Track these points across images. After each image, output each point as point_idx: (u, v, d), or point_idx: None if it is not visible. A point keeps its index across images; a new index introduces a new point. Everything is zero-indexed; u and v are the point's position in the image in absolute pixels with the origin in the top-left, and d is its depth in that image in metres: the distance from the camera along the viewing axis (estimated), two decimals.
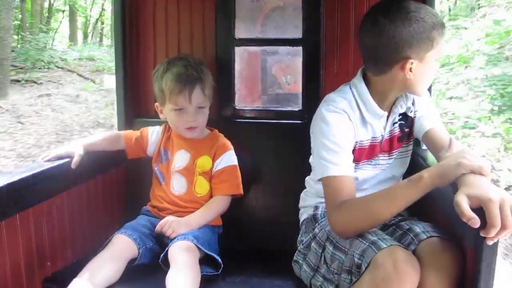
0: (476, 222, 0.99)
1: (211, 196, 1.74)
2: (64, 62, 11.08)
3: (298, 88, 1.96)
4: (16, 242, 1.38)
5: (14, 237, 1.36)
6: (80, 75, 10.25)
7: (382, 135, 1.48)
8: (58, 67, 10.60)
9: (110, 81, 8.22)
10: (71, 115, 7.24)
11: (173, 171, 1.74)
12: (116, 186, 1.90)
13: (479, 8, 8.78)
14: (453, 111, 5.40)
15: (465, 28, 8.00)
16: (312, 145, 1.46)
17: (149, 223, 1.68)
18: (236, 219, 1.78)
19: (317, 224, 1.49)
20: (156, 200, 1.76)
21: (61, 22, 17.54)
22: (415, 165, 1.57)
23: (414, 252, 1.24)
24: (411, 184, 1.19)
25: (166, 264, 1.47)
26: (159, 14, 1.96)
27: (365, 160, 1.49)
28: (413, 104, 1.51)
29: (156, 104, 1.76)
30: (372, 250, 1.16)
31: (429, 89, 1.71)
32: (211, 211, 1.69)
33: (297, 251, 1.51)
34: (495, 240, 1.02)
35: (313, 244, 1.42)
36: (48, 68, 10.45)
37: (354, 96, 1.43)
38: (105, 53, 13.34)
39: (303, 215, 1.62)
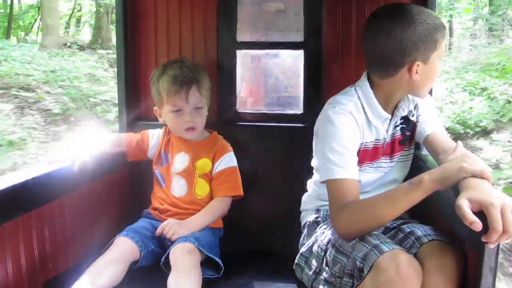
0: (478, 225, 0.99)
1: (211, 198, 1.74)
2: None
3: (300, 91, 1.97)
4: (18, 245, 1.38)
5: (16, 240, 1.36)
6: None
7: (384, 138, 1.49)
8: None
9: None
10: None
11: (173, 173, 1.74)
12: (117, 189, 1.91)
13: None
14: None
15: None
16: (315, 147, 1.46)
17: (151, 225, 1.68)
18: (237, 222, 1.78)
19: (319, 227, 1.49)
20: (157, 202, 1.76)
21: None
22: (416, 168, 1.57)
23: (415, 255, 1.24)
24: (412, 187, 1.20)
25: (168, 267, 1.47)
26: (161, 17, 1.97)
27: (368, 162, 1.49)
28: (415, 108, 1.52)
29: (155, 108, 1.77)
30: (374, 253, 1.16)
31: (430, 93, 1.71)
32: (212, 213, 1.70)
33: (299, 254, 1.51)
34: (497, 244, 1.02)
35: (315, 247, 1.43)
36: None
37: (359, 98, 1.44)
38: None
39: (305, 218, 1.62)
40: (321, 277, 1.37)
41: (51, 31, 10.74)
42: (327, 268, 1.35)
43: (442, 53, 1.37)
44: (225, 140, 1.81)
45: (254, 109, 2.10)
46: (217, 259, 1.57)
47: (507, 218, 0.99)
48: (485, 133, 5.60)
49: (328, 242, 1.37)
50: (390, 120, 1.47)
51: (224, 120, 1.94)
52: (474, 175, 1.12)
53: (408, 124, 1.53)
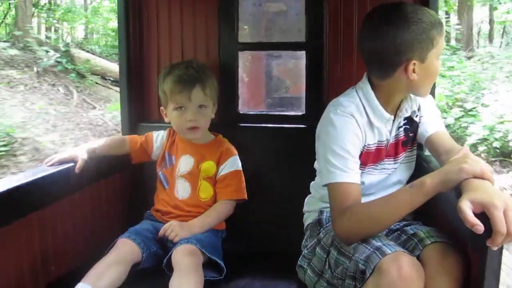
0: (479, 228, 0.98)
1: (215, 201, 1.74)
2: None
3: (302, 92, 1.96)
4: (20, 246, 1.38)
5: (18, 242, 1.37)
6: None
7: (387, 139, 1.48)
8: None
9: None
10: None
11: (177, 176, 1.74)
12: (120, 190, 1.91)
13: None
14: None
15: None
16: (317, 149, 1.45)
17: (153, 227, 1.68)
18: (239, 223, 1.78)
19: (321, 229, 1.49)
20: (160, 204, 1.76)
21: None
22: (419, 169, 1.56)
23: (418, 257, 1.24)
24: (414, 191, 1.19)
25: (170, 268, 1.47)
26: (163, 19, 1.97)
27: (371, 164, 1.48)
28: (418, 109, 1.51)
29: (161, 108, 1.77)
30: (377, 256, 1.16)
31: (433, 93, 1.70)
32: (215, 216, 1.70)
33: (301, 256, 1.51)
34: (500, 245, 1.01)
35: (317, 249, 1.42)
36: None
37: (360, 100, 1.42)
38: None
39: (308, 220, 1.61)
40: (324, 279, 1.37)
41: None
42: (329, 270, 1.34)
43: (440, 50, 1.36)
44: (230, 144, 1.81)
45: (256, 110, 2.10)
46: (219, 261, 1.57)
47: (510, 219, 0.98)
48: None
49: (330, 244, 1.37)
50: (393, 121, 1.46)
51: (226, 122, 1.94)
52: (475, 176, 1.11)
53: (412, 125, 1.52)
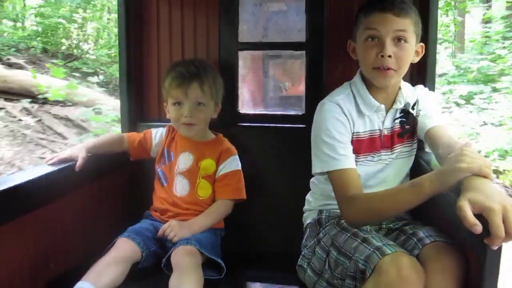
0: (478, 228, 0.98)
1: (213, 200, 1.74)
2: None
3: (301, 92, 1.97)
4: (20, 245, 1.38)
5: (18, 240, 1.37)
6: None
7: (380, 129, 1.51)
8: None
9: None
10: None
11: (176, 173, 1.74)
12: (119, 189, 1.91)
13: None
14: None
15: None
16: (311, 139, 1.51)
17: (152, 226, 1.68)
18: (239, 223, 1.78)
19: (321, 228, 1.49)
20: (158, 202, 1.76)
21: None
22: (418, 168, 1.57)
23: (417, 256, 1.24)
24: (413, 190, 1.22)
25: (169, 268, 1.47)
26: (163, 18, 1.97)
27: (366, 154, 1.51)
28: (416, 103, 1.54)
29: (165, 103, 1.79)
30: (377, 255, 1.16)
31: (433, 88, 1.71)
32: (213, 215, 1.70)
33: (301, 256, 1.51)
34: (500, 244, 1.01)
35: (317, 248, 1.42)
36: None
37: (352, 90, 1.52)
38: None
39: (307, 219, 1.62)
40: (323, 279, 1.37)
41: None
42: (329, 270, 1.34)
43: (366, 28, 1.43)
44: (230, 143, 1.81)
45: (256, 109, 2.10)
46: (218, 260, 1.57)
47: (509, 221, 0.97)
48: None
49: (330, 244, 1.37)
50: (388, 112, 1.51)
51: (226, 121, 1.94)
52: (472, 174, 1.11)
53: (408, 117, 1.55)
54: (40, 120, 5.57)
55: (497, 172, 4.56)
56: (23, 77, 5.95)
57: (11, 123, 5.39)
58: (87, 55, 8.43)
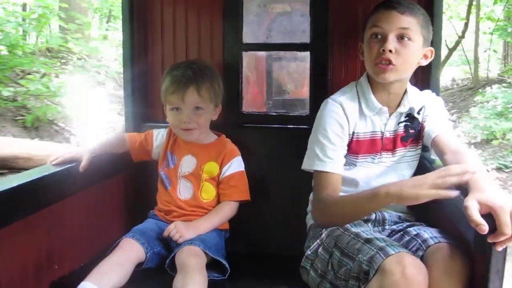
0: (484, 228, 0.98)
1: (217, 202, 1.74)
2: None
3: (306, 93, 1.96)
4: (24, 245, 1.38)
5: (22, 241, 1.37)
6: None
7: (381, 131, 1.51)
8: None
9: None
10: None
11: (179, 176, 1.74)
12: (123, 190, 1.91)
13: None
14: None
15: None
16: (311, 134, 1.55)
17: (157, 227, 1.68)
18: (243, 224, 1.77)
19: (324, 230, 1.49)
20: (162, 204, 1.76)
21: None
22: (421, 167, 1.57)
23: (422, 258, 1.24)
24: (370, 197, 1.29)
25: (173, 269, 1.47)
26: (167, 20, 1.97)
27: (366, 155, 1.51)
28: (423, 109, 1.53)
29: (163, 106, 1.77)
30: (380, 256, 1.16)
31: (438, 93, 1.71)
32: (218, 217, 1.69)
33: (304, 257, 1.51)
34: (504, 246, 1.01)
35: (320, 250, 1.42)
36: None
37: (357, 91, 1.53)
38: None
39: (310, 220, 1.61)
40: (327, 280, 1.37)
41: None
42: (332, 271, 1.34)
43: (372, 27, 1.43)
44: (233, 144, 1.81)
45: (260, 110, 2.09)
46: (223, 261, 1.57)
47: None
48: None
49: (333, 245, 1.37)
50: (391, 115, 1.51)
51: (230, 122, 1.94)
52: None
53: (413, 122, 1.54)
54: None
55: None
56: None
57: None
58: None
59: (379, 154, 1.52)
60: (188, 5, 1.96)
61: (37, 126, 6.15)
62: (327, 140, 1.46)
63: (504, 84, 7.77)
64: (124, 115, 2.00)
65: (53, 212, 1.49)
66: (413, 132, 1.54)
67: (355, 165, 1.52)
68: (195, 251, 1.51)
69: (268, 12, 2.04)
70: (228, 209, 1.72)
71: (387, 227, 1.51)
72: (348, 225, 1.41)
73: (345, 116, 1.47)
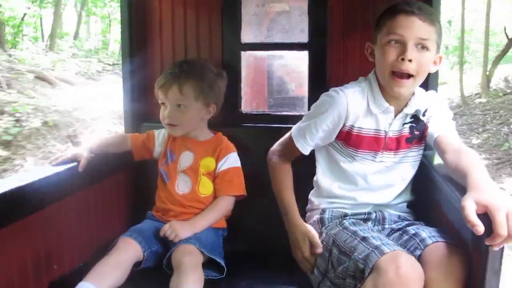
0: (480, 229, 0.98)
1: (214, 197, 1.74)
2: None
3: (304, 92, 1.96)
4: (23, 245, 1.39)
5: (21, 241, 1.38)
6: None
7: (385, 130, 1.50)
8: None
9: None
10: None
11: (178, 171, 1.75)
12: (122, 189, 1.91)
13: None
14: None
15: None
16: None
17: (154, 227, 1.68)
18: (241, 223, 1.78)
19: (324, 227, 1.49)
20: (160, 202, 1.76)
21: None
22: (421, 167, 1.57)
23: (420, 256, 1.24)
24: (283, 210, 1.61)
25: (171, 268, 1.47)
26: (166, 20, 1.98)
27: (366, 151, 1.51)
28: (426, 110, 1.52)
29: None
30: (375, 254, 1.16)
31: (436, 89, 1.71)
32: (215, 212, 1.70)
33: None
34: (501, 246, 1.01)
35: None
36: None
37: (367, 87, 1.51)
38: None
39: (310, 219, 1.62)
40: (328, 278, 1.37)
41: None
42: (332, 269, 1.35)
43: (389, 32, 1.40)
44: (229, 141, 1.81)
45: (259, 110, 2.09)
46: (219, 260, 1.57)
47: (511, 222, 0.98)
48: None
49: (332, 243, 1.37)
50: (397, 115, 1.49)
51: (229, 121, 1.94)
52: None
53: (418, 123, 1.53)
54: None
55: None
56: None
57: None
58: None
59: (380, 152, 1.52)
60: (186, 5, 1.96)
61: None
62: (314, 123, 1.51)
63: None
64: (124, 115, 2.00)
65: (52, 212, 1.49)
66: (418, 133, 1.53)
67: (354, 159, 1.52)
68: (190, 249, 1.51)
69: (267, 11, 2.04)
70: (223, 204, 1.72)
71: (386, 226, 1.51)
72: (347, 223, 1.42)
73: (346, 110, 1.46)
